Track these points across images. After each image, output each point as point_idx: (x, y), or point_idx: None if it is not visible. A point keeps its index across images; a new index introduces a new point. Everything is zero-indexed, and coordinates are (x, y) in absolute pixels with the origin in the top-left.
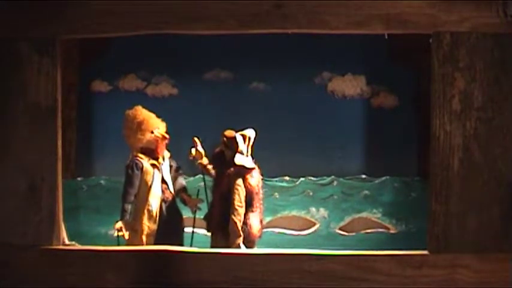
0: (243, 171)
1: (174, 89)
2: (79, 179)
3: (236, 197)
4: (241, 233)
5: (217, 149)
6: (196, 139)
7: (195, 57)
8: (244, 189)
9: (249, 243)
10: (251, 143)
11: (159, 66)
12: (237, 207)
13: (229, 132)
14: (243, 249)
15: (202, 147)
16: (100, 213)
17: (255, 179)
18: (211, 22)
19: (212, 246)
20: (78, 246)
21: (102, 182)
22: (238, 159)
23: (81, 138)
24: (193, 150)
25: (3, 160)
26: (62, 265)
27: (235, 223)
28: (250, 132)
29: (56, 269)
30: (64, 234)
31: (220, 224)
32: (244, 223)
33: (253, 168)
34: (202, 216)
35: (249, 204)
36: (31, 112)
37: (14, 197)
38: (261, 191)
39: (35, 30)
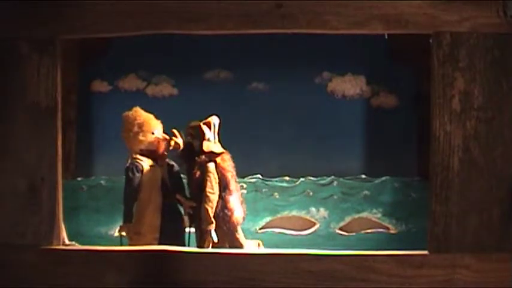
0: (213, 156)
1: (174, 89)
2: (79, 179)
3: (208, 184)
4: (213, 220)
5: (184, 143)
6: (175, 130)
7: (195, 57)
8: (216, 175)
9: (233, 228)
10: (216, 129)
11: (159, 66)
12: (208, 194)
13: (193, 123)
14: (243, 250)
15: (182, 137)
16: (100, 213)
17: (226, 162)
18: (211, 22)
19: (198, 242)
20: (78, 246)
21: (102, 182)
22: (206, 146)
23: (81, 138)
24: (172, 142)
25: (3, 160)
26: (62, 265)
27: (207, 210)
28: (214, 119)
29: (56, 269)
30: (64, 234)
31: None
32: (226, 208)
33: (222, 153)
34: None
35: (225, 188)
36: (31, 112)
37: (14, 197)
38: (235, 175)
39: (35, 30)
